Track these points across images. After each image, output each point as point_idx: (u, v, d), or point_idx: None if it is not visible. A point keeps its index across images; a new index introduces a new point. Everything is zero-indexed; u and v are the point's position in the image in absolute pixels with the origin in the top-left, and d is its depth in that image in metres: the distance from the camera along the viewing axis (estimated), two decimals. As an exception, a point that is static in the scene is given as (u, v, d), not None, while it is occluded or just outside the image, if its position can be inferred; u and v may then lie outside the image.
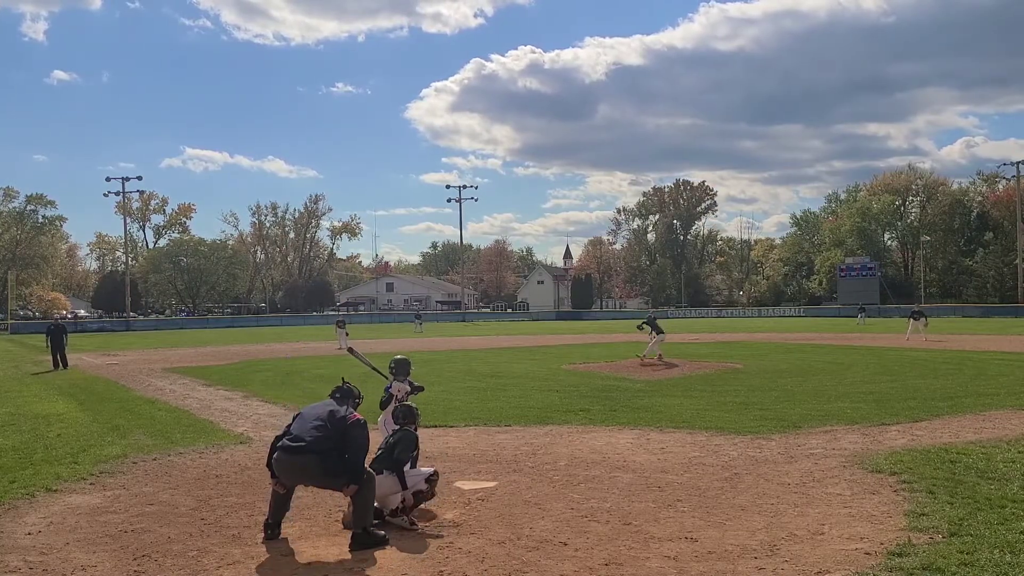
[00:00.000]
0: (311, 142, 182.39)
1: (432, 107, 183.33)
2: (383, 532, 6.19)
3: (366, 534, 6.06)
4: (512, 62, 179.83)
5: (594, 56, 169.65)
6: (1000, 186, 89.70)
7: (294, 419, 6.50)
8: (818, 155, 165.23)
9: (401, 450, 6.73)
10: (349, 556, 5.81)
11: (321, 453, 6.10)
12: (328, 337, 45.55)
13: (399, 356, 8.41)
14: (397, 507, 6.58)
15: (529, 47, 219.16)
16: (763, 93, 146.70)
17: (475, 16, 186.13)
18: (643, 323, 23.22)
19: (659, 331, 22.24)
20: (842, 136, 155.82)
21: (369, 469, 6.38)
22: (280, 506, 6.37)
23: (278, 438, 6.39)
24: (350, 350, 9.69)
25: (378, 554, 5.83)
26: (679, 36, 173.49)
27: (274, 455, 6.29)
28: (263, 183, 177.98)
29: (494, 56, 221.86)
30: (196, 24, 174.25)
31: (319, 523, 6.69)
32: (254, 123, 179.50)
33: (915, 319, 32.11)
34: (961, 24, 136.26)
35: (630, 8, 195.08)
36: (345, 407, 6.47)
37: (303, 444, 6.11)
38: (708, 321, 66.84)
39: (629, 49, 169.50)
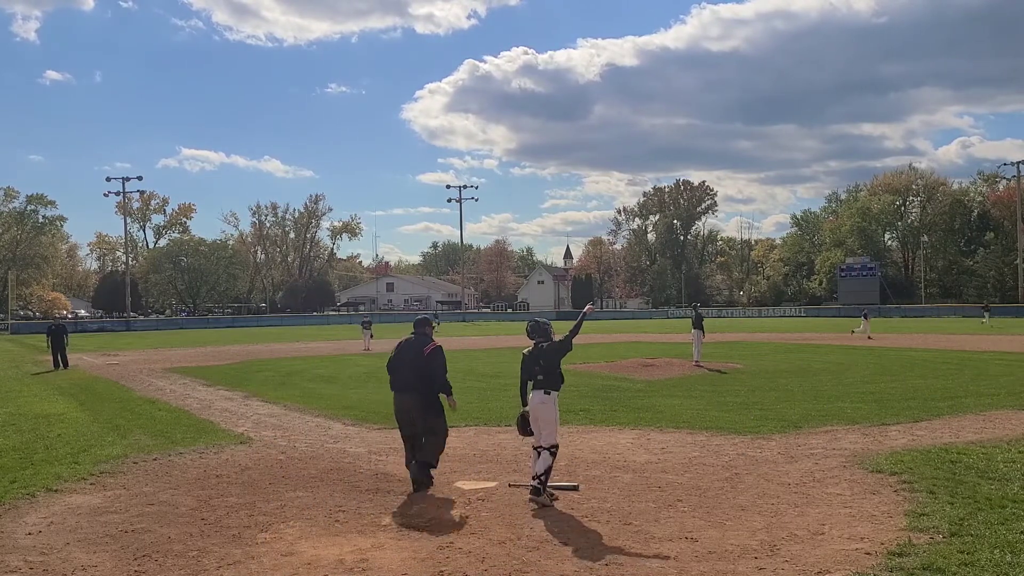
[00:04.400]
0: (307, 142, 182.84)
1: (427, 108, 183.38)
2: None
3: (429, 466, 7.74)
4: (505, 63, 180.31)
5: (587, 57, 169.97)
6: (1000, 186, 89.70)
7: (395, 354, 8.05)
8: (814, 155, 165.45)
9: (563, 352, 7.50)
10: (349, 556, 5.81)
11: (421, 393, 7.75)
12: (328, 337, 45.59)
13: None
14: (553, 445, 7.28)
15: (522, 48, 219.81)
16: (757, 93, 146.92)
17: (468, 17, 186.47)
18: (695, 320, 22.62)
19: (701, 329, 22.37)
20: (837, 136, 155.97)
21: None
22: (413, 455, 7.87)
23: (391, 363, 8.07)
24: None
25: (378, 554, 5.83)
26: (671, 37, 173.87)
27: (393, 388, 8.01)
28: (260, 183, 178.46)
29: (487, 57, 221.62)
30: (188, 24, 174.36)
31: (319, 523, 6.69)
32: (250, 123, 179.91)
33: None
34: (953, 24, 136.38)
35: (621, 10, 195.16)
36: (421, 338, 8.02)
37: (408, 384, 7.79)
38: (708, 321, 66.57)
39: (622, 50, 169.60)
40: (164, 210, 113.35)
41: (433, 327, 8.38)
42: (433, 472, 7.86)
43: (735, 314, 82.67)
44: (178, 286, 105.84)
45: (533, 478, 7.22)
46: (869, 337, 33.32)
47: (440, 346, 8.00)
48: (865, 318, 36.45)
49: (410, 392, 7.77)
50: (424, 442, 7.82)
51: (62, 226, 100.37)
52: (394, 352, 8.11)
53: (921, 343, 29.70)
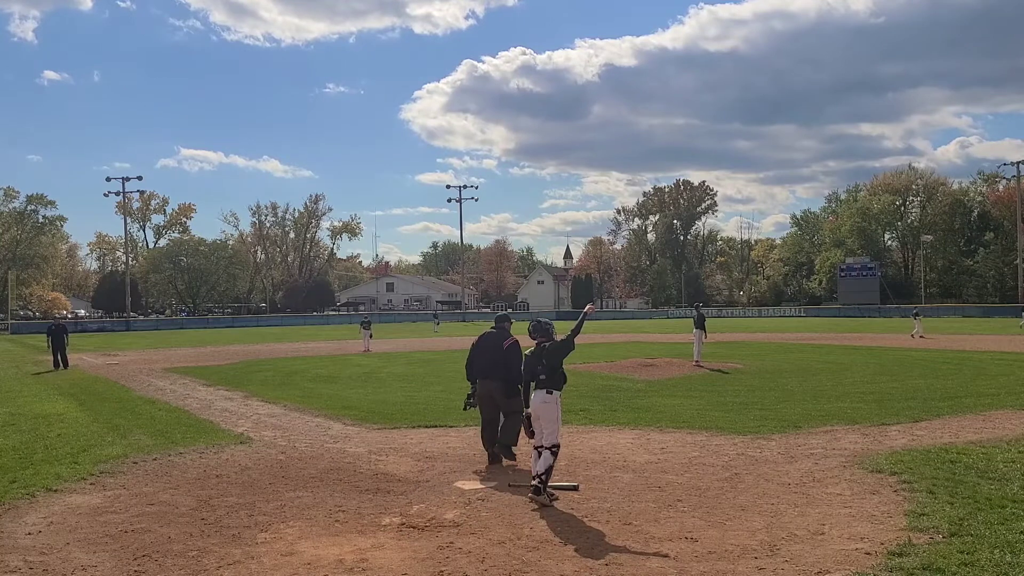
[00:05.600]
0: (306, 143, 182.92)
1: (426, 108, 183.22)
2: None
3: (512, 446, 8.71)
4: (504, 63, 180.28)
5: (585, 57, 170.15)
6: (1000, 186, 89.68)
7: (473, 350, 9.00)
8: (813, 155, 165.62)
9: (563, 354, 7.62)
10: (349, 556, 5.81)
11: (503, 380, 8.61)
12: (328, 337, 45.58)
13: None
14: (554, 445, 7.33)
15: (520, 48, 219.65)
16: (755, 93, 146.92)
17: (466, 18, 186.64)
18: (697, 320, 22.65)
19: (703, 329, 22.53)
20: (836, 136, 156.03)
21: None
22: (491, 435, 8.79)
23: (470, 362, 9.02)
24: None
25: (378, 554, 5.83)
26: (669, 37, 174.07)
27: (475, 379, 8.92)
28: (259, 183, 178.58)
29: (486, 57, 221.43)
30: (186, 24, 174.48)
31: (319, 523, 6.69)
32: (248, 123, 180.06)
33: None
34: (951, 24, 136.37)
35: (619, 11, 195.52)
36: (502, 332, 8.89)
37: (491, 372, 8.72)
38: (708, 321, 66.65)
39: (620, 50, 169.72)
40: (164, 210, 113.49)
41: (511, 322, 9.10)
42: (515, 450, 8.84)
43: (735, 314, 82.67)
44: (178, 286, 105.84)
45: (534, 477, 7.22)
46: (922, 336, 33.20)
47: (517, 341, 8.70)
48: (915, 318, 36.16)
49: (493, 379, 8.68)
50: (504, 424, 8.73)
51: (62, 226, 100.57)
52: (476, 343, 9.01)
53: (922, 343, 29.69)
